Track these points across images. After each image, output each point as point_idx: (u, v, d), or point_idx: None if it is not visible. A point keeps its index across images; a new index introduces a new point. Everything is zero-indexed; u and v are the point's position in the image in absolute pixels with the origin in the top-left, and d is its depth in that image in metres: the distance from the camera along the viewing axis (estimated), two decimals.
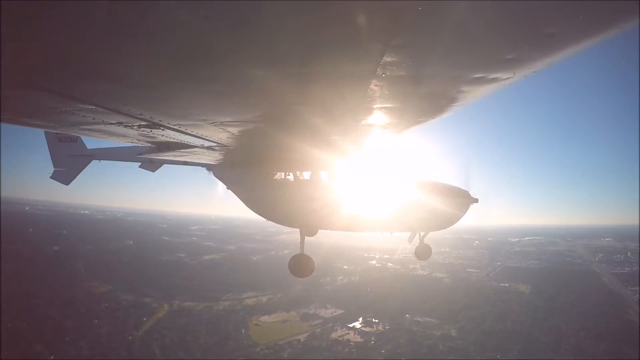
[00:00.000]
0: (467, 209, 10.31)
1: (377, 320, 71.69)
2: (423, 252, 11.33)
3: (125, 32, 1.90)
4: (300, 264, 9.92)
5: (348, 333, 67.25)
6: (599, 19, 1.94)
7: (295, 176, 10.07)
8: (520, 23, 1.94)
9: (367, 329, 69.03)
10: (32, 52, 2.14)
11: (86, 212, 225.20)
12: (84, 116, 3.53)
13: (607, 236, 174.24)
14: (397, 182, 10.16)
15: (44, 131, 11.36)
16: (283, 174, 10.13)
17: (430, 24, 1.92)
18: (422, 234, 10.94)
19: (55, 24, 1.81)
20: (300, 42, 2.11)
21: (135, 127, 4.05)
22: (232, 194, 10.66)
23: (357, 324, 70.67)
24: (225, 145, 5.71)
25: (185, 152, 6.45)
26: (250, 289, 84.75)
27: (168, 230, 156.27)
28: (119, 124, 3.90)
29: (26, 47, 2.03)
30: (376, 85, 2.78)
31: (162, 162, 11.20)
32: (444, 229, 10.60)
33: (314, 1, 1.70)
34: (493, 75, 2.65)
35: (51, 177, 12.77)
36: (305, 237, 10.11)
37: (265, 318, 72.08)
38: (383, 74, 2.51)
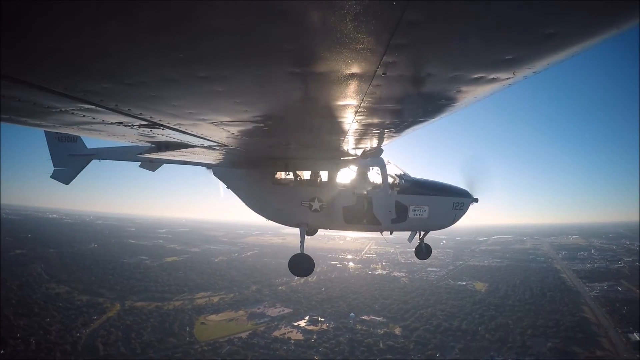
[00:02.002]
0: (467, 208, 10.26)
1: (323, 319, 73.39)
2: (423, 251, 11.43)
3: (125, 31, 1.96)
4: (300, 263, 9.82)
5: (291, 331, 69.32)
6: (599, 19, 2.00)
7: (295, 176, 10.00)
8: (520, 23, 1.99)
9: (310, 327, 70.72)
10: (32, 52, 2.18)
11: (55, 216, 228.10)
12: (84, 116, 3.62)
13: (574, 234, 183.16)
14: (397, 181, 10.14)
15: (44, 131, 11.18)
16: (283, 174, 10.05)
17: (431, 24, 1.96)
18: (422, 233, 10.81)
19: (55, 23, 1.86)
20: (300, 42, 2.15)
21: (135, 126, 4.12)
22: (232, 193, 10.55)
23: (303, 323, 72.45)
24: (225, 145, 5.79)
25: (185, 152, 6.52)
26: (204, 289, 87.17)
27: (135, 234, 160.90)
28: (119, 123, 3.97)
29: (26, 46, 2.08)
30: (376, 85, 2.88)
31: (162, 162, 11.17)
32: (444, 228, 10.41)
33: (314, 1, 1.75)
34: (493, 75, 2.74)
35: (51, 177, 12.78)
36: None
37: (213, 317, 74.06)
38: (383, 73, 2.60)
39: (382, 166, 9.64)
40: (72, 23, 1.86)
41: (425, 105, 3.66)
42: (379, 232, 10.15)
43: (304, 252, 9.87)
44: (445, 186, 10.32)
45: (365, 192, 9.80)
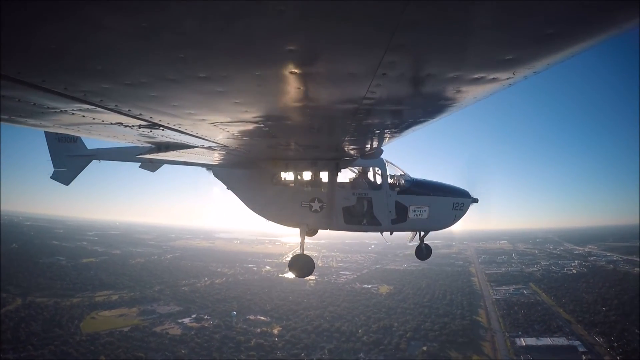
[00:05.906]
0: (467, 208, 10.48)
1: (208, 317, 75.14)
2: (423, 252, 11.56)
3: (125, 32, 2.00)
4: (300, 264, 10.18)
5: (172, 327, 69.25)
6: (599, 19, 2.08)
7: (295, 176, 10.20)
8: (520, 23, 2.08)
9: (193, 324, 72.06)
10: (32, 52, 2.24)
11: None
12: (83, 116, 3.69)
13: (503, 239, 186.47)
14: (397, 182, 10.30)
15: (44, 131, 10.75)
16: (283, 174, 10.22)
17: (431, 24, 2.04)
18: (422, 233, 11.02)
19: (55, 23, 1.90)
20: (300, 42, 2.22)
21: (135, 127, 4.22)
22: (232, 193, 10.58)
23: (187, 320, 73.59)
24: (225, 146, 5.96)
25: (185, 152, 6.79)
26: (108, 288, 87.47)
27: (61, 235, 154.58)
28: (119, 124, 4.08)
29: (26, 46, 2.12)
30: (376, 85, 3.02)
31: (162, 162, 11.35)
32: (445, 228, 10.68)
33: (314, 1, 1.80)
34: (493, 75, 2.88)
35: (51, 177, 12.74)
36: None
37: (105, 312, 74.73)
38: (383, 73, 2.70)
39: (382, 166, 9.99)
40: (72, 23, 1.90)
41: (425, 105, 3.93)
42: (379, 232, 10.18)
43: (305, 252, 9.83)
44: (445, 186, 10.56)
45: (366, 193, 10.03)
